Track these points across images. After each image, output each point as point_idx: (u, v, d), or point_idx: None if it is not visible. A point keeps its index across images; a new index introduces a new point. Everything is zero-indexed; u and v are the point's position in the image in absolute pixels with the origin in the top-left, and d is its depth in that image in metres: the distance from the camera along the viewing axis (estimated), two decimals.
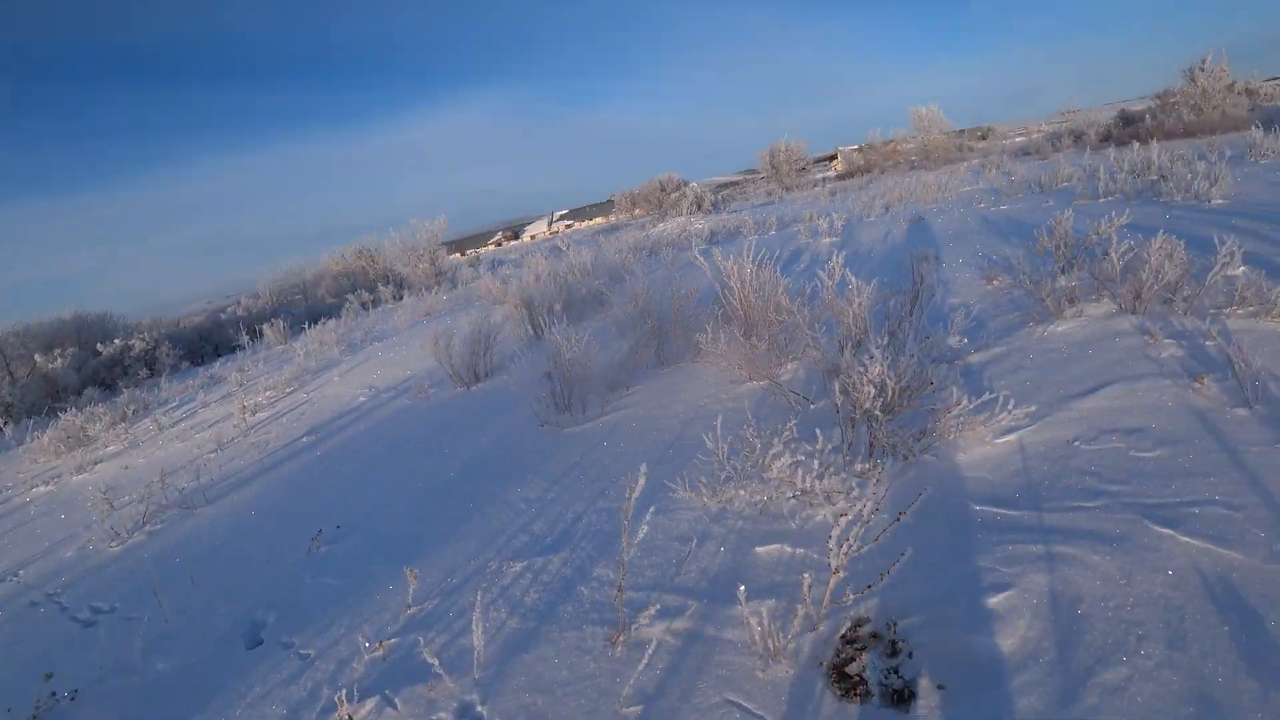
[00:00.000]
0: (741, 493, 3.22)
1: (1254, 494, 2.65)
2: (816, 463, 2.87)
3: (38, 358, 13.31)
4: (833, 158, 44.92)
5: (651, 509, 2.97)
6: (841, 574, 2.32)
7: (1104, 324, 4.41)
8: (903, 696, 2.03)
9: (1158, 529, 2.55)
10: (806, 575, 2.30)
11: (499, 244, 47.16)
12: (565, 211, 52.39)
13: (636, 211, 34.68)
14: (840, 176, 31.64)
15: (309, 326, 13.68)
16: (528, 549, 3.47)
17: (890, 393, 3.26)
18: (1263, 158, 9.92)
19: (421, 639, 2.91)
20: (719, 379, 5.10)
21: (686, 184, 35.22)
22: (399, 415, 6.57)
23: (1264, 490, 2.66)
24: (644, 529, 2.56)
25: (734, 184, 41.32)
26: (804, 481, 2.87)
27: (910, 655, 2.16)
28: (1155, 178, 9.05)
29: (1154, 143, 10.85)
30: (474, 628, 2.50)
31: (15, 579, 5.29)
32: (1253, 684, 1.90)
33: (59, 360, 13.38)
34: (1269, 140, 10.20)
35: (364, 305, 15.81)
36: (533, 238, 44.26)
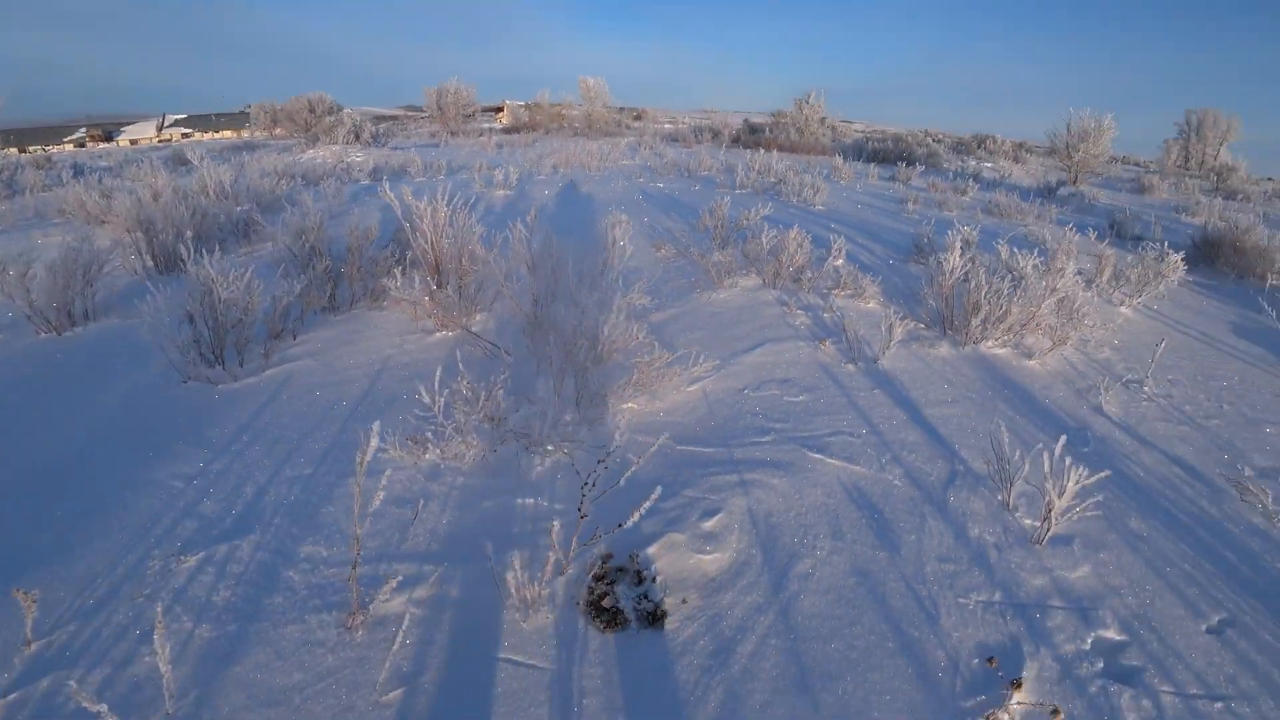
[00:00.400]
0: (461, 448, 3.13)
1: (864, 426, 3.66)
2: (549, 413, 2.94)
3: None
4: (499, 109, 44.62)
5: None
6: (587, 516, 2.41)
7: (754, 294, 5.32)
8: (655, 617, 2.30)
9: (812, 454, 3.32)
10: (555, 522, 2.36)
11: (82, 144, 36.31)
12: (182, 117, 42.34)
13: (278, 131, 30.23)
14: (506, 130, 31.67)
15: None
16: (200, 537, 2.77)
17: (602, 346, 3.44)
18: (842, 179, 13.04)
19: (71, 680, 2.10)
20: (402, 328, 4.76)
21: (341, 109, 31.62)
22: None
23: (870, 423, 3.68)
24: (380, 496, 2.23)
25: (392, 118, 38.59)
26: (538, 431, 2.90)
27: (654, 580, 2.42)
28: (775, 181, 11.02)
29: (774, 152, 13.72)
30: (157, 648, 1.88)
31: None
32: (883, 556, 2.66)
33: None
34: (846, 166, 13.89)
35: None
36: (134, 143, 34.95)
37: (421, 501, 2.95)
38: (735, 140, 22.31)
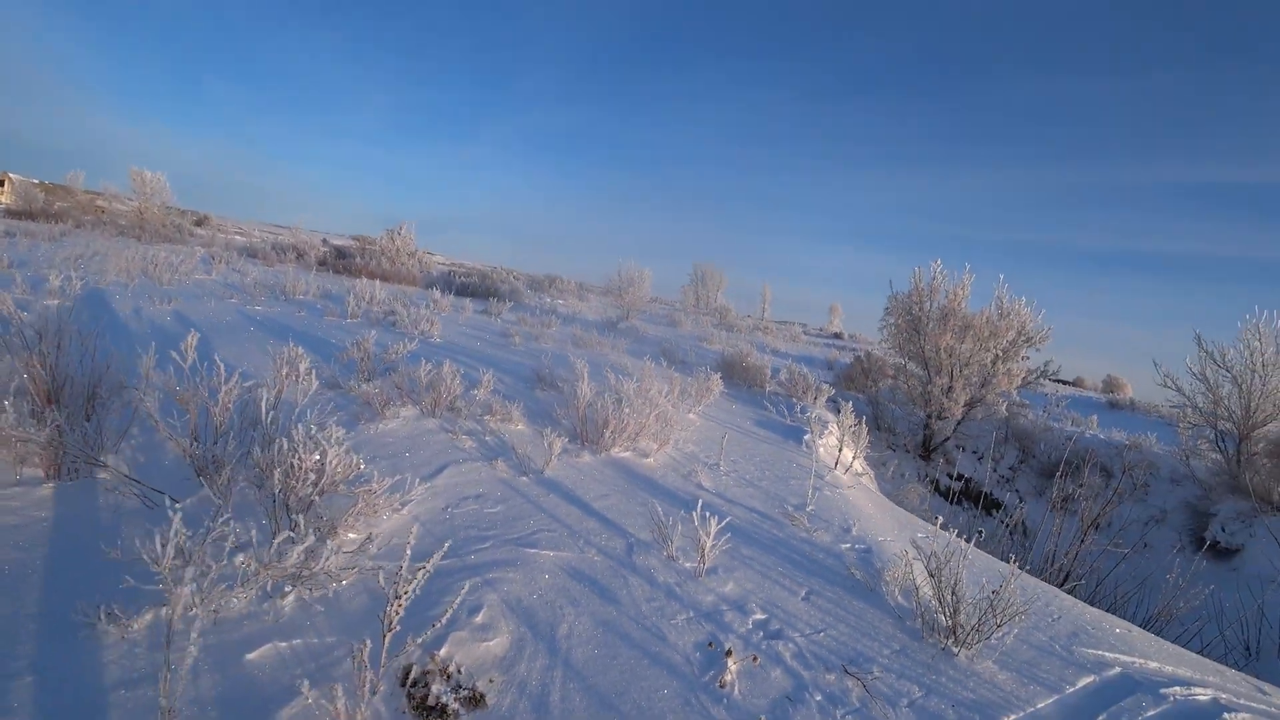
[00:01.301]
0: (183, 608, 2.65)
1: (554, 522, 4.34)
2: (300, 549, 2.78)
3: None
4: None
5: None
6: (395, 627, 2.41)
7: (417, 423, 5.60)
8: (476, 700, 2.53)
9: (527, 550, 3.87)
10: (366, 641, 2.37)
11: None
12: None
13: None
14: (12, 213, 24.96)
15: None
16: None
17: (325, 478, 3.32)
18: (442, 311, 13.97)
19: None
20: None
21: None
22: None
23: (558, 519, 4.38)
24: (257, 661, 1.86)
25: None
26: (296, 568, 2.73)
27: (460, 671, 2.62)
28: (386, 311, 11.32)
29: (373, 280, 13.80)
30: None
31: None
32: (611, 609, 3.37)
33: None
34: (444, 299, 14.98)
35: None
36: None
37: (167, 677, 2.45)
38: (321, 263, 21.57)
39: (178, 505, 3.62)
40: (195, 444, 3.69)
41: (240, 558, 2.98)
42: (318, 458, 3.33)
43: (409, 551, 2.45)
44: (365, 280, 14.49)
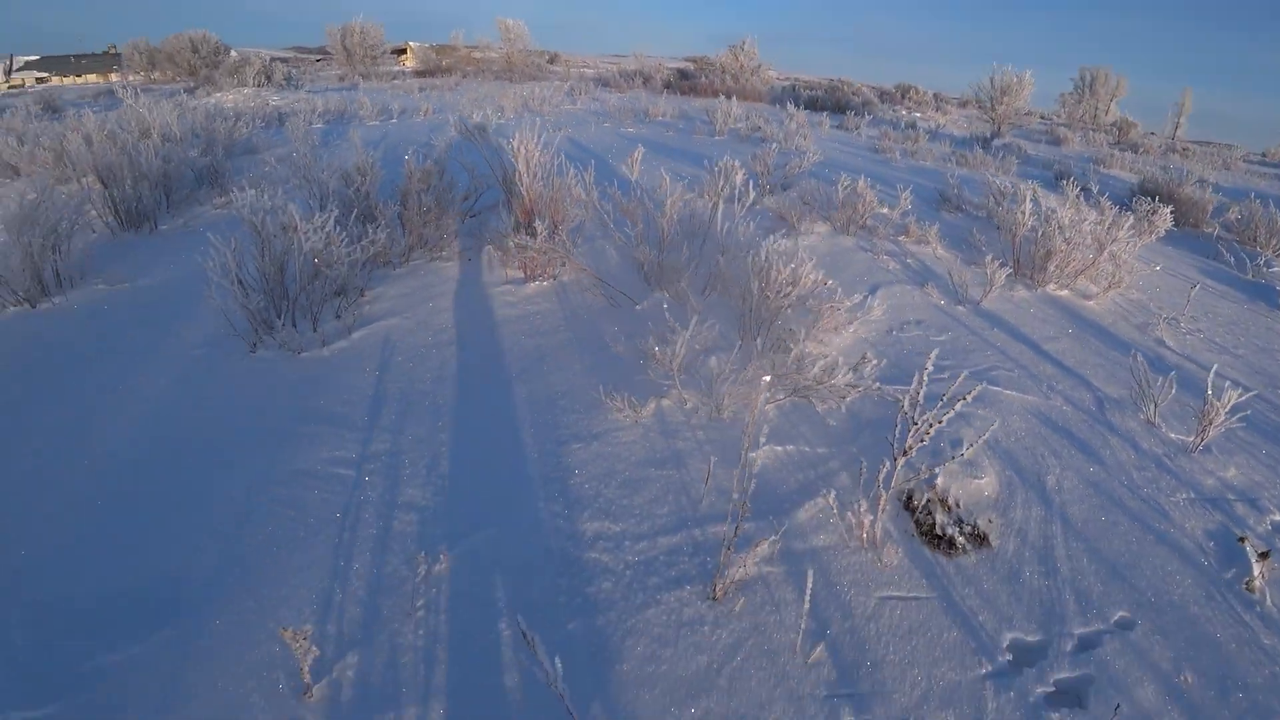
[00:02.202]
0: (670, 403, 2.88)
1: (1006, 360, 3.71)
2: (793, 355, 2.68)
3: None
4: (402, 51, 42.00)
5: (574, 443, 2.66)
6: (911, 453, 2.21)
7: (833, 241, 5.14)
8: (980, 538, 2.35)
9: (990, 387, 3.34)
10: (884, 463, 2.26)
11: None
12: (35, 58, 36.47)
13: (156, 75, 27.08)
14: (418, 73, 29.62)
15: None
16: (436, 531, 2.36)
17: (780, 289, 3.12)
18: (800, 125, 12.64)
19: None
20: (483, 279, 4.24)
21: (228, 49, 28.58)
22: None
23: (1009, 357, 3.74)
24: (760, 462, 1.97)
25: (283, 60, 35.51)
26: (791, 376, 2.65)
27: (958, 505, 2.41)
28: (754, 126, 10.71)
29: (712, 98, 12.94)
30: (543, 659, 1.49)
31: None
32: (1097, 469, 2.86)
33: None
34: (798, 113, 13.12)
35: None
36: None
37: (668, 465, 2.64)
38: (667, 86, 21.64)
39: (637, 306, 3.81)
40: (652, 252, 3.75)
41: (713, 360, 2.97)
42: (792, 268, 3.12)
43: (925, 373, 2.14)
44: (719, 99, 14.09)
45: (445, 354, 3.45)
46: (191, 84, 22.85)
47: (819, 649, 1.92)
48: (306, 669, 1.80)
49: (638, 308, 3.78)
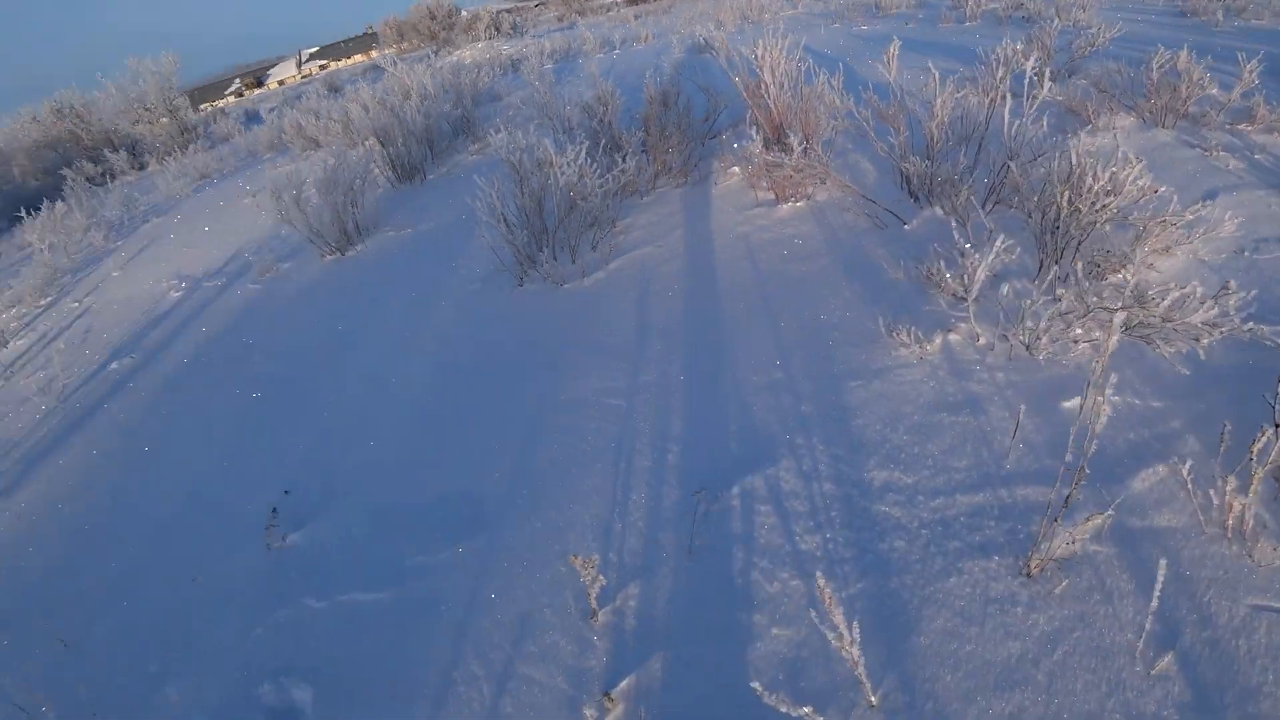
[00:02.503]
0: (959, 338, 2.44)
1: None
2: (1129, 287, 2.10)
3: None
4: None
5: (852, 380, 2.33)
6: None
7: (1143, 136, 4.02)
8: None
9: None
10: (1263, 429, 1.60)
11: (240, 94, 38.31)
12: (315, 50, 43.35)
13: (405, 45, 29.98)
14: (630, 2, 29.50)
15: (29, 215, 8.76)
16: (711, 466, 2.27)
17: (1119, 195, 2.46)
18: None
19: (754, 684, 1.70)
20: (731, 203, 4.00)
21: (459, 9, 30.74)
22: (257, 307, 4.56)
23: None
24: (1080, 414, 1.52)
25: (509, 10, 37.42)
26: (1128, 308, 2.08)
27: None
28: (1015, 3, 8.93)
29: None
30: (838, 624, 1.34)
31: None
32: None
33: None
34: None
35: (91, 181, 11.54)
36: (281, 83, 36.28)
37: (971, 411, 2.24)
38: None
39: (906, 226, 3.33)
40: (921, 162, 3.21)
41: (1006, 287, 2.47)
42: (1111, 172, 2.45)
43: None
44: None
45: (701, 282, 3.30)
46: (434, 47, 25.00)
47: (1166, 659, 1.47)
48: (594, 595, 1.82)
49: (906, 227, 3.28)
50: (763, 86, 3.76)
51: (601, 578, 1.84)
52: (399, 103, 6.69)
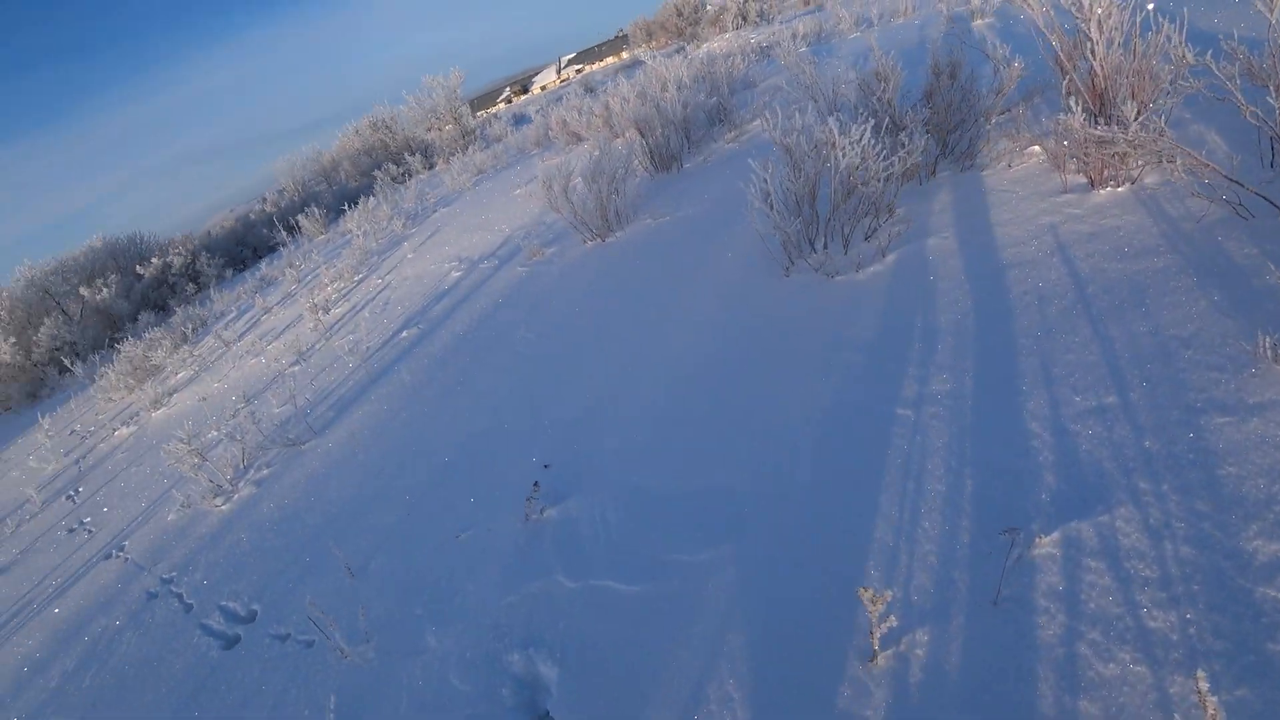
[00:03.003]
0: None
1: None
2: None
3: (83, 291, 12.11)
4: None
5: (1216, 414, 1.85)
6: None
7: None
8: None
9: None
10: None
11: (509, 101, 43.09)
12: (572, 55, 47.15)
13: (654, 44, 31.11)
14: None
15: (349, 208, 11.47)
16: (1030, 510, 1.97)
17: None
18: None
19: None
20: (1031, 189, 3.45)
21: (705, 4, 31.15)
22: (524, 287, 5.04)
23: None
24: None
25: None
26: None
27: None
28: None
29: None
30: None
31: (120, 554, 4.13)
32: None
33: (104, 290, 12.17)
34: None
35: (395, 179, 13.87)
36: (543, 89, 40.11)
37: None
38: None
39: None
40: None
41: None
42: None
43: None
44: None
45: (998, 281, 2.89)
46: (682, 43, 25.64)
47: None
48: (877, 636, 1.65)
49: None
50: (1087, 44, 3.16)
51: (893, 618, 1.64)
52: (657, 94, 6.89)
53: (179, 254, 13.28)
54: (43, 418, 8.51)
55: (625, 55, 37.48)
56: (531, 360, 3.93)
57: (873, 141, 3.20)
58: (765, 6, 23.34)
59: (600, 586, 2.24)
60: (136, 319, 11.68)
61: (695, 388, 3.03)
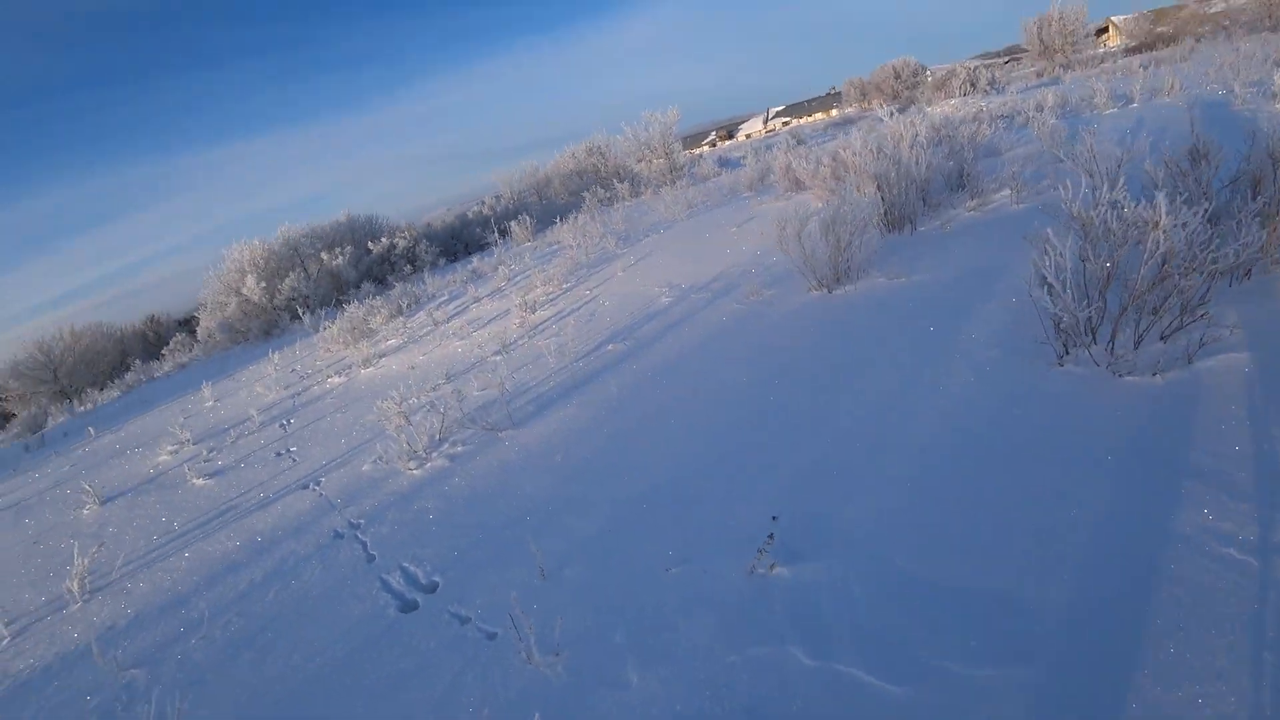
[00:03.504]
0: None
1: None
2: None
3: (324, 255, 14.44)
4: (1103, 31, 36.86)
5: None
6: None
7: None
8: None
9: None
10: None
11: (714, 144, 44.54)
12: (781, 108, 47.87)
13: (868, 103, 30.69)
14: (1130, 50, 25.37)
15: (558, 221, 12.42)
16: None
17: None
18: None
19: None
20: None
21: (925, 69, 30.26)
22: (740, 324, 4.85)
23: None
24: None
25: (984, 65, 35.79)
26: None
27: None
28: None
29: None
30: None
31: (316, 488, 4.46)
32: None
33: (340, 257, 14.43)
34: None
35: (601, 202, 14.68)
36: (748, 136, 41.05)
37: None
38: None
39: None
40: None
41: None
42: None
43: None
44: None
45: None
46: (896, 106, 25.04)
47: None
48: None
49: None
50: None
51: None
52: (895, 150, 6.58)
53: (403, 238, 15.09)
54: (272, 354, 9.74)
55: (834, 113, 37.30)
56: (749, 400, 3.72)
57: (1202, 228, 2.71)
58: (995, 75, 22.15)
59: (846, 675, 1.92)
60: (359, 286, 13.51)
61: (950, 466, 2.65)
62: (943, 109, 16.21)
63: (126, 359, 17.17)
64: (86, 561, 4.05)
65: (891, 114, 8.52)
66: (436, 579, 3.04)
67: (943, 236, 5.39)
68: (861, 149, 7.43)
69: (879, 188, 5.90)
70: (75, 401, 13.43)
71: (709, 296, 5.66)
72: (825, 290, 4.88)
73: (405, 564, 3.23)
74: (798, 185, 8.41)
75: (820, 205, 7.38)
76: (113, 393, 12.92)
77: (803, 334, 4.35)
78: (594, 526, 3.01)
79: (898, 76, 30.71)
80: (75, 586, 3.93)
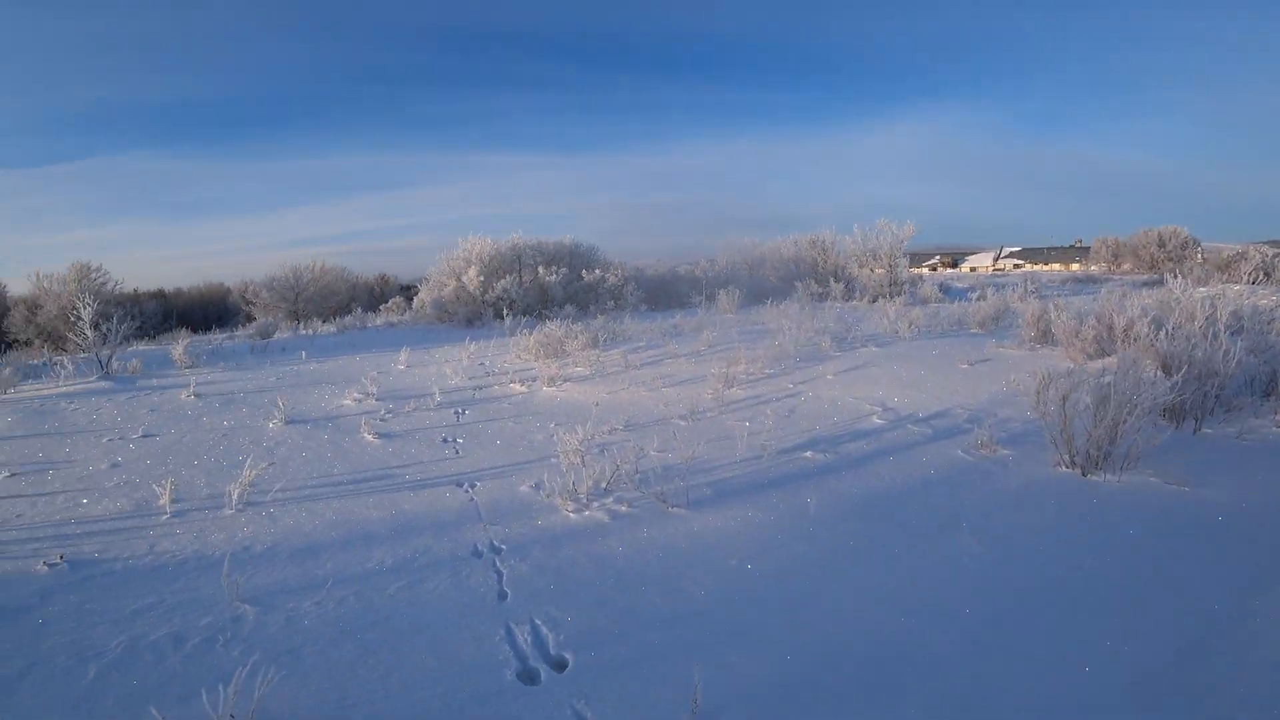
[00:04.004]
0: None
1: None
2: None
3: (540, 269, 15.62)
4: None
5: None
6: None
7: None
8: None
9: None
10: None
11: (934, 268, 42.79)
12: (1016, 249, 44.98)
13: (1122, 266, 27.95)
14: None
15: (769, 303, 12.35)
16: None
17: None
18: None
19: None
20: None
21: (1197, 242, 26.85)
22: (967, 477, 4.14)
23: None
24: None
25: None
26: None
27: None
28: None
29: None
30: None
31: (470, 490, 4.37)
32: None
33: (554, 275, 15.50)
34: None
35: (814, 296, 14.40)
36: (973, 269, 38.89)
37: None
38: None
39: None
40: None
41: None
42: None
43: None
44: None
45: None
46: (1151, 276, 22.57)
47: None
48: None
49: None
50: None
51: None
52: (1188, 328, 5.58)
53: (615, 275, 15.89)
54: (469, 342, 10.28)
55: (1076, 267, 34.38)
56: (982, 575, 3.04)
57: None
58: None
59: None
60: (563, 306, 14.44)
61: None
62: (1215, 290, 14.13)
63: (352, 303, 19.52)
64: (253, 474, 4.25)
65: (1184, 285, 7.36)
66: (567, 656, 2.62)
67: (1239, 447, 4.37)
68: (1139, 317, 6.44)
69: (1165, 369, 4.96)
70: (301, 325, 15.42)
71: (929, 433, 4.99)
72: (1078, 471, 4.07)
73: (538, 620, 2.85)
74: (1044, 338, 7.46)
75: (1072, 365, 6.44)
76: (330, 327, 14.58)
77: (1047, 514, 3.59)
78: (765, 674, 2.48)
79: (1161, 245, 27.70)
80: (235, 494, 4.16)
